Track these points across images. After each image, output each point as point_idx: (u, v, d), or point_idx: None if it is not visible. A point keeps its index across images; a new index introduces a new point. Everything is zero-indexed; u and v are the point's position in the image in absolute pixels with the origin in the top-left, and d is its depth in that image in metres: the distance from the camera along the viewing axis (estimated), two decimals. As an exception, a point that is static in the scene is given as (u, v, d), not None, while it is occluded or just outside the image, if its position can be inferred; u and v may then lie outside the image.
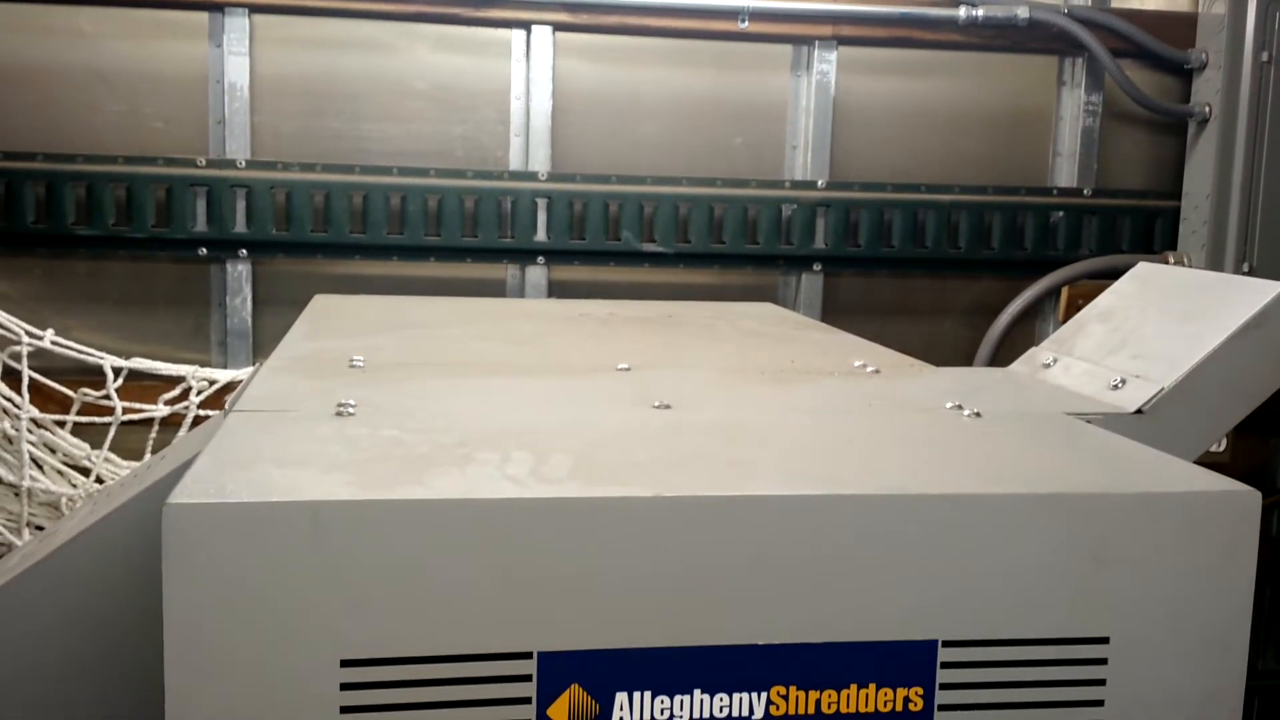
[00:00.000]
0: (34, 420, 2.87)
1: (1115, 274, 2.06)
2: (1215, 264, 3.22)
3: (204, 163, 2.98)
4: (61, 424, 2.91)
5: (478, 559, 1.04)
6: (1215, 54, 3.22)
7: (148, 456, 2.82)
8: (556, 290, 3.20)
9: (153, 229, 2.97)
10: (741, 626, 1.08)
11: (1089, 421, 1.50)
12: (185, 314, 3.08)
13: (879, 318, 3.32)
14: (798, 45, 3.25)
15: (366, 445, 1.22)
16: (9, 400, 2.85)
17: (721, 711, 1.08)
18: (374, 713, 1.03)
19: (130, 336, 3.03)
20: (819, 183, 3.24)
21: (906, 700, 1.10)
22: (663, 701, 1.07)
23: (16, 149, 2.92)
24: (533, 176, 3.11)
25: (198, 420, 2.92)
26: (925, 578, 1.10)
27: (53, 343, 2.90)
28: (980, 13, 3.19)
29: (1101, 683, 1.14)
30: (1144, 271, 1.91)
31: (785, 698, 1.09)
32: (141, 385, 2.95)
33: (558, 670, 1.05)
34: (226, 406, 1.42)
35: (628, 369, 1.73)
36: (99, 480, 2.89)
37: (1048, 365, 1.82)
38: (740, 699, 1.08)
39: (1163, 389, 1.57)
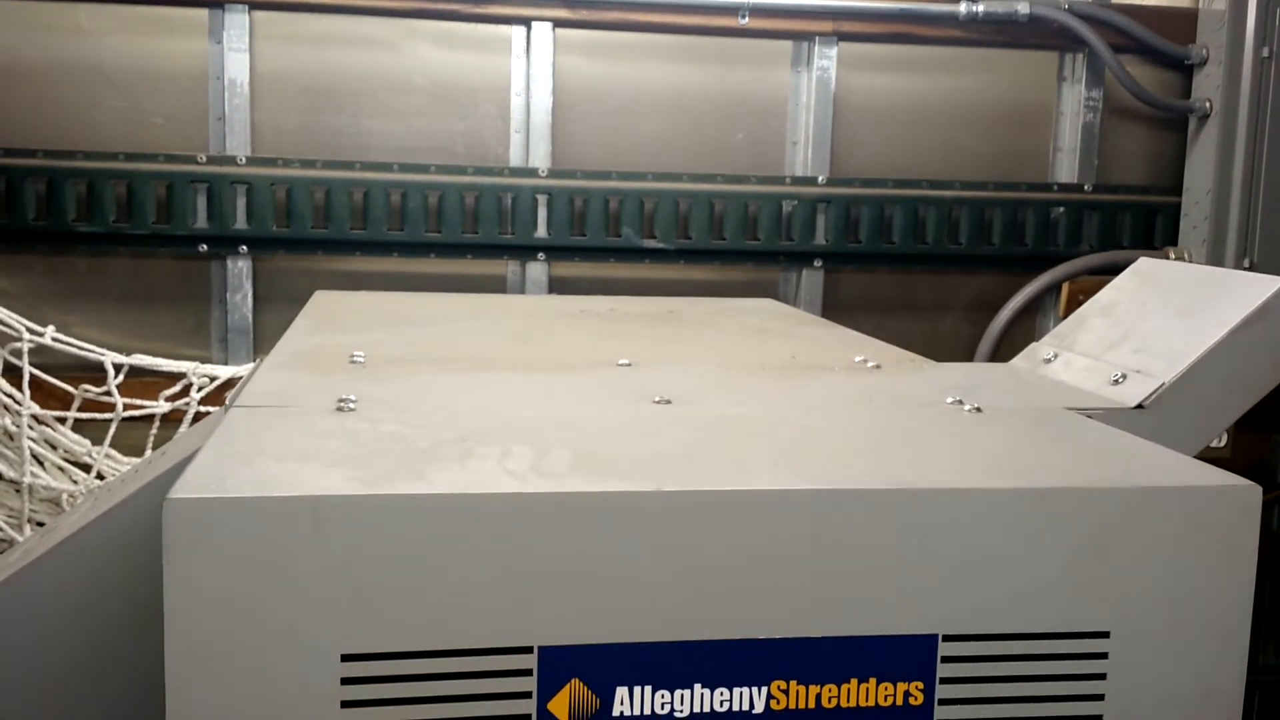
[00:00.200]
0: (35, 417, 2.87)
1: (1116, 270, 2.06)
2: (1216, 259, 3.22)
3: (204, 159, 2.98)
4: (62, 420, 2.91)
5: (478, 553, 1.04)
6: (1216, 49, 3.22)
7: (149, 453, 2.83)
8: (557, 286, 3.20)
9: (153, 226, 2.97)
10: (742, 621, 1.08)
11: (1090, 417, 1.50)
12: (186, 310, 3.08)
13: (880, 314, 3.32)
14: (798, 41, 3.25)
15: (367, 440, 1.22)
16: (10, 397, 2.85)
17: (722, 706, 1.08)
18: (375, 707, 1.03)
19: (131, 333, 3.03)
20: (820, 179, 3.24)
21: (907, 694, 1.10)
22: (663, 696, 1.07)
23: (17, 146, 2.91)
24: (533, 173, 3.11)
25: (198, 417, 2.93)
26: (925, 572, 1.10)
27: (54, 339, 2.90)
28: (981, 8, 3.19)
29: (1102, 677, 1.14)
30: (1145, 266, 1.91)
31: (786, 692, 1.09)
32: (142, 382, 2.96)
33: (558, 665, 1.05)
34: (227, 402, 1.42)
35: (628, 364, 1.73)
36: (100, 476, 2.89)
37: (1048, 360, 1.82)
38: (741, 693, 1.08)
39: (1163, 384, 1.57)
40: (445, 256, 3.11)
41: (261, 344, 3.05)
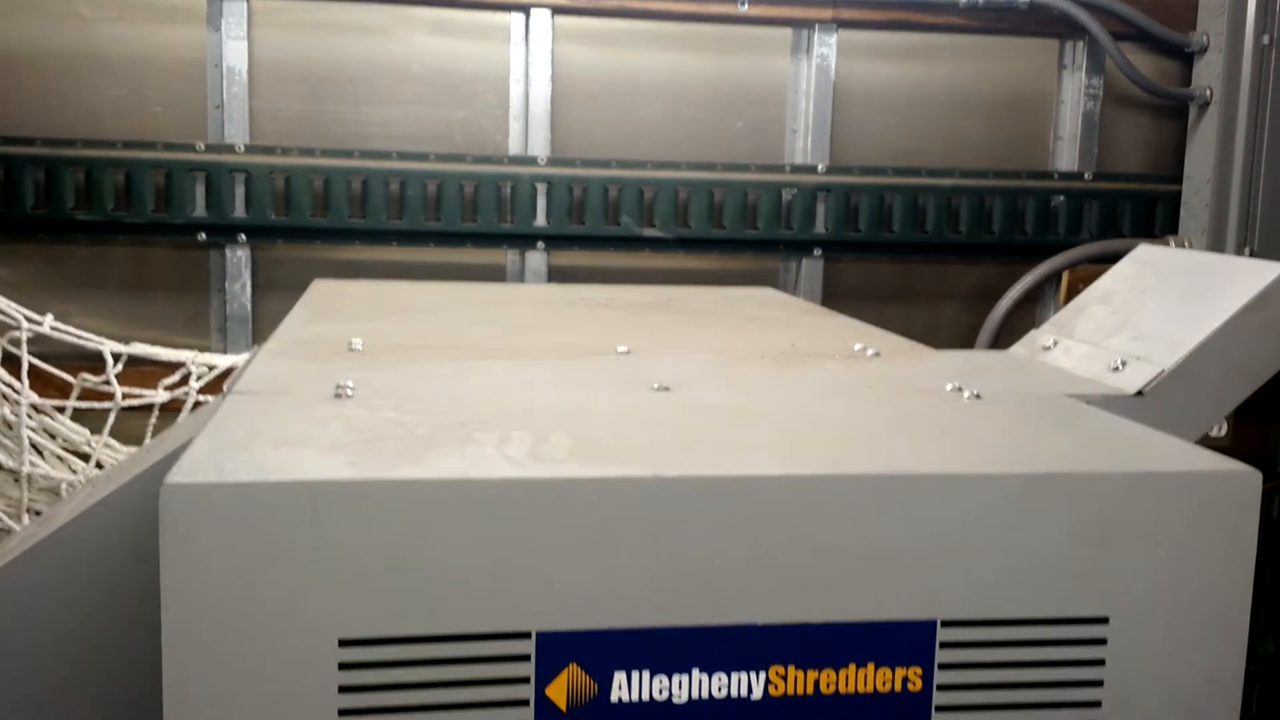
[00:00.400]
0: (34, 406, 2.87)
1: (1116, 258, 2.05)
2: (1216, 248, 3.21)
3: (203, 147, 2.97)
4: (61, 409, 2.91)
5: (476, 539, 1.04)
6: (1216, 37, 3.21)
7: (148, 441, 2.82)
8: (556, 275, 3.20)
9: (152, 214, 2.96)
10: (740, 606, 1.08)
11: (1089, 403, 1.50)
12: (185, 299, 3.08)
13: (879, 303, 3.32)
14: (798, 28, 3.24)
15: (365, 426, 1.22)
16: (8, 386, 2.84)
17: (720, 691, 1.08)
18: (372, 692, 1.03)
19: (130, 322, 3.03)
20: (819, 167, 3.23)
21: (905, 680, 1.10)
22: (661, 681, 1.07)
23: (15, 134, 2.91)
24: (532, 161, 3.11)
25: (197, 406, 2.92)
26: (924, 558, 1.10)
27: (52, 328, 2.90)
28: (981, -4, 3.18)
29: (1101, 663, 1.14)
30: (1144, 253, 1.90)
31: (784, 677, 1.09)
32: (141, 371, 2.95)
33: (556, 650, 1.05)
34: (225, 389, 1.42)
35: (627, 352, 1.72)
36: (99, 465, 2.89)
37: (1048, 348, 1.81)
38: (739, 678, 1.08)
39: (1163, 371, 1.57)
40: (444, 245, 3.11)
41: (260, 333, 3.04)
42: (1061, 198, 3.33)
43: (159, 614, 1.00)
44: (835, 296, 3.27)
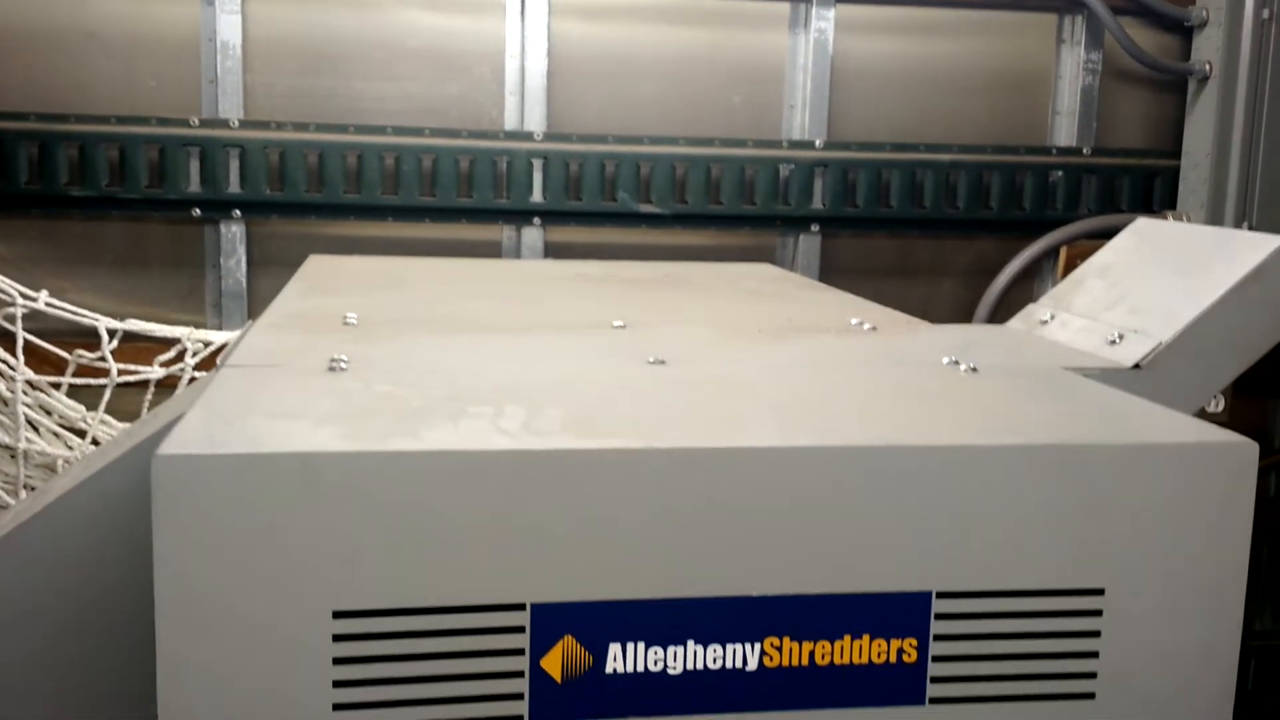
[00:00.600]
0: (29, 382, 2.86)
1: (1114, 234, 2.04)
2: (1215, 223, 3.20)
3: (197, 122, 2.95)
4: (57, 386, 2.90)
5: (470, 511, 1.04)
6: (1216, 11, 3.19)
7: (144, 417, 2.82)
8: (552, 252, 3.19)
9: (146, 190, 2.95)
10: (735, 578, 1.08)
11: (1086, 377, 1.49)
12: (180, 275, 3.07)
13: (877, 278, 3.31)
14: (795, 3, 3.22)
15: (359, 399, 1.21)
16: (4, 362, 2.84)
17: (715, 663, 1.08)
18: (366, 664, 1.03)
19: (125, 298, 3.02)
20: (817, 142, 3.22)
21: (900, 651, 1.10)
22: (656, 653, 1.07)
23: (9, 109, 2.89)
24: (528, 136, 3.09)
25: (193, 382, 2.92)
26: (919, 529, 1.10)
27: (47, 304, 2.89)
28: (980, -31, 3.17)
29: (1096, 634, 1.14)
30: (1143, 227, 1.90)
31: (779, 649, 1.08)
32: (136, 347, 2.94)
33: (551, 621, 1.05)
34: (218, 363, 1.41)
35: (623, 326, 1.72)
36: (95, 442, 2.88)
37: (1045, 322, 1.81)
38: (734, 650, 1.08)
39: (1160, 344, 1.57)
40: (440, 221, 3.10)
41: (256, 309, 3.03)
42: (1060, 173, 3.32)
43: (153, 586, 1.00)
44: (832, 272, 3.26)
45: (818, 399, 1.32)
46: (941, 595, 1.10)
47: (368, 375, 1.33)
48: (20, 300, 2.86)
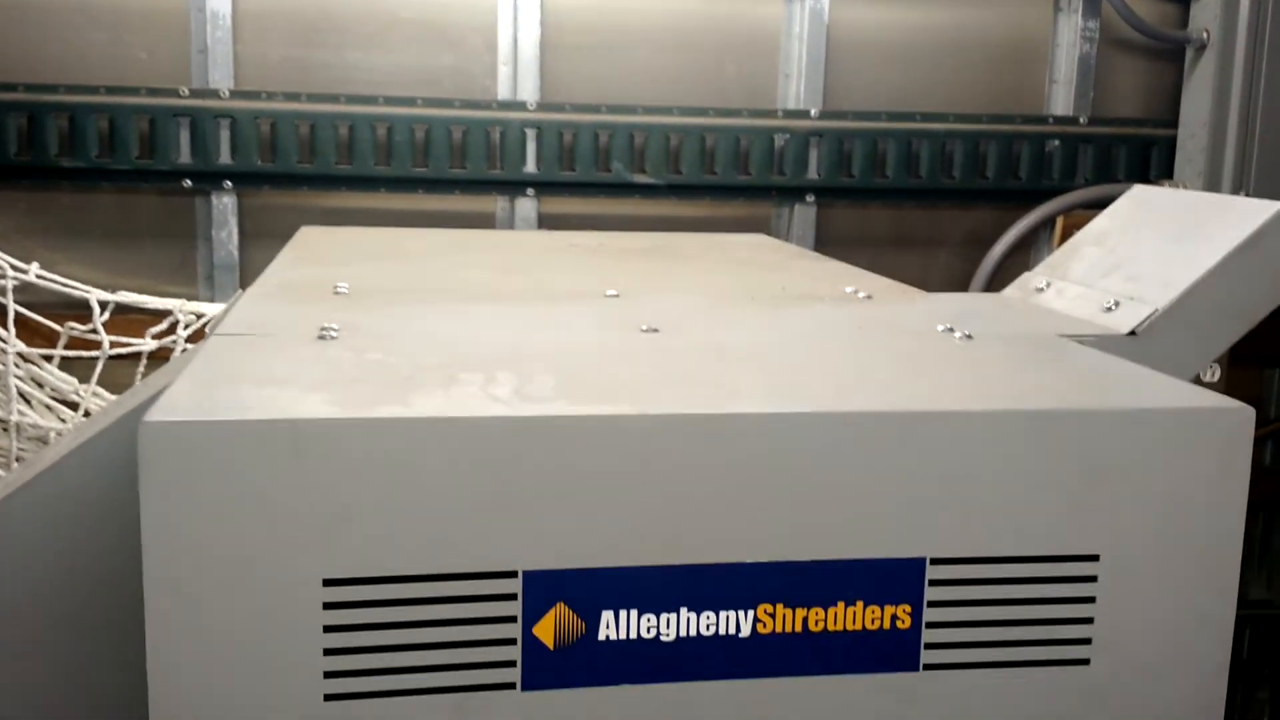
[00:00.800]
0: (21, 355, 2.85)
1: (1111, 203, 2.03)
2: (1212, 191, 3.19)
3: (187, 93, 2.93)
4: (48, 358, 2.89)
5: (461, 478, 1.03)
6: (1214, -22, 3.17)
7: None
8: (547, 223, 3.17)
9: (136, 160, 2.93)
10: (728, 544, 1.07)
11: (1082, 344, 1.48)
12: (171, 247, 3.05)
13: (872, 249, 3.30)
14: (790, -29, 3.20)
15: (349, 367, 1.20)
16: (-5, 335, 2.83)
17: (708, 629, 1.07)
18: (357, 632, 1.02)
19: (116, 270, 3.00)
20: (812, 112, 3.20)
21: (894, 618, 1.10)
22: (649, 620, 1.06)
23: (-3, 80, 2.87)
24: (521, 106, 3.07)
25: (185, 354, 2.91)
26: (913, 495, 1.09)
27: (38, 276, 2.87)
28: (976, -64, 3.14)
29: (1091, 600, 1.14)
30: (1139, 193, 1.88)
31: (772, 615, 1.08)
32: (128, 319, 2.93)
33: (543, 589, 1.04)
34: (209, 331, 1.40)
35: (616, 295, 1.71)
36: (87, 414, 2.88)
37: (1041, 290, 1.80)
38: (727, 617, 1.07)
39: (1156, 310, 1.56)
40: (433, 192, 3.08)
41: (248, 281, 3.01)
42: (1057, 142, 3.30)
43: (141, 556, 0.99)
44: (828, 243, 3.25)
45: (811, 366, 1.31)
46: (936, 561, 1.10)
47: (358, 343, 1.31)
48: (11, 273, 2.85)
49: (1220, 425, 1.15)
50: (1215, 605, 1.17)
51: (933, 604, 1.10)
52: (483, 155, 3.06)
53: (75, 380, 2.90)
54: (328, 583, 1.02)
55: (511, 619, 1.05)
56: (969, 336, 1.47)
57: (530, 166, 3.10)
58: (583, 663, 1.06)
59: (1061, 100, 3.33)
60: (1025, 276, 1.88)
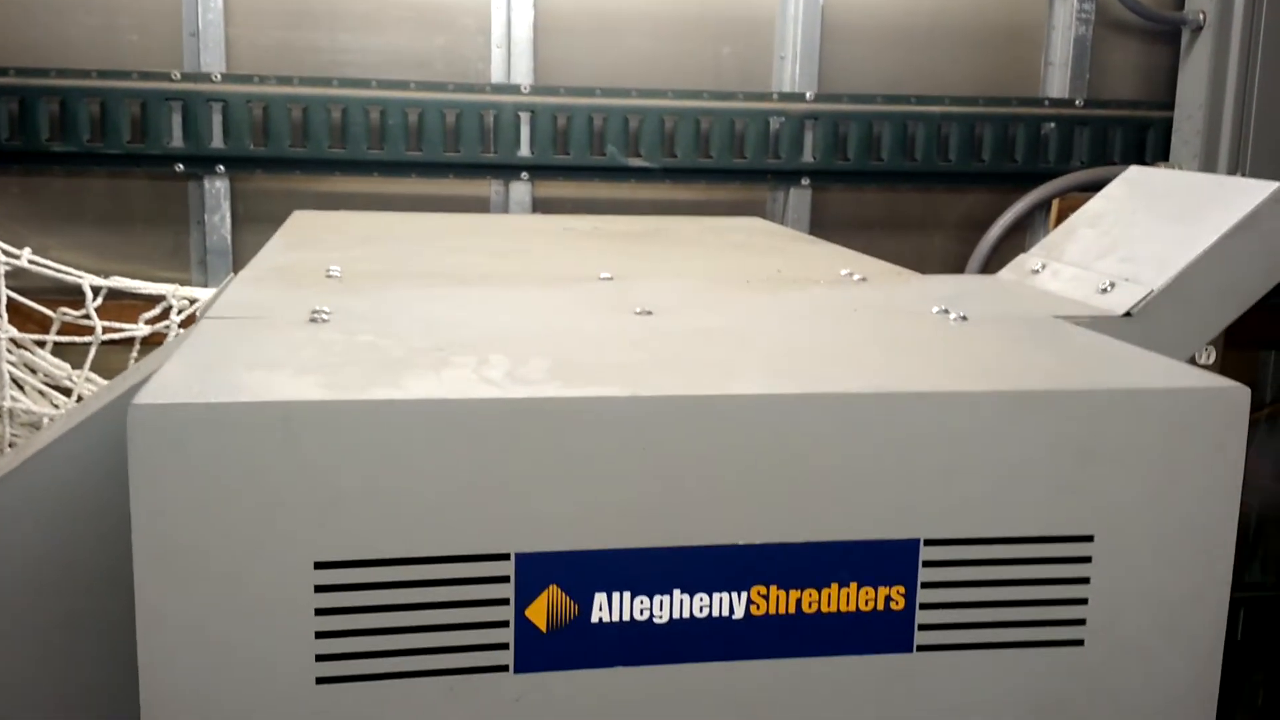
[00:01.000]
0: (13, 340, 2.84)
1: (1106, 185, 2.03)
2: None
3: (179, 76, 2.91)
4: (41, 344, 2.88)
5: (453, 460, 1.02)
6: (1211, -40, 3.15)
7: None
8: (541, 207, 3.16)
9: (128, 145, 2.91)
10: (721, 526, 1.07)
11: (1077, 325, 1.48)
12: (164, 232, 3.04)
13: (868, 232, 3.29)
14: (785, -47, 3.18)
15: (341, 350, 1.19)
16: (-13, 320, 2.82)
17: (701, 611, 1.07)
18: (349, 615, 1.02)
19: (109, 255, 2.99)
20: (807, 95, 3.18)
21: (888, 599, 1.09)
22: (642, 602, 1.06)
23: (-13, 64, 2.86)
24: (515, 89, 3.06)
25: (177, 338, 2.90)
26: (907, 476, 1.09)
27: (30, 261, 2.86)
28: (972, -82, 3.12)
29: (1085, 581, 1.13)
30: (1135, 174, 1.88)
31: (766, 597, 1.07)
32: (121, 304, 2.92)
33: (535, 571, 1.04)
34: (199, 315, 1.39)
35: (610, 279, 1.70)
36: (80, 400, 2.87)
37: (1036, 271, 1.79)
38: (720, 599, 1.07)
39: (1152, 291, 1.55)
40: (426, 176, 3.07)
41: (241, 266, 2.99)
42: (1052, 125, 3.29)
43: (131, 540, 0.99)
44: (823, 226, 3.24)
45: (806, 347, 1.30)
46: (930, 543, 1.09)
47: (350, 326, 1.31)
48: (3, 258, 2.83)
49: (1215, 406, 1.14)
50: (1210, 586, 1.17)
51: (927, 585, 1.10)
52: (476, 139, 3.05)
53: (68, 366, 2.89)
54: (319, 565, 1.01)
55: (504, 601, 1.05)
56: (964, 318, 1.46)
57: (524, 150, 3.08)
58: (575, 645, 1.06)
59: (1057, 82, 3.32)
60: (1021, 258, 1.87)
